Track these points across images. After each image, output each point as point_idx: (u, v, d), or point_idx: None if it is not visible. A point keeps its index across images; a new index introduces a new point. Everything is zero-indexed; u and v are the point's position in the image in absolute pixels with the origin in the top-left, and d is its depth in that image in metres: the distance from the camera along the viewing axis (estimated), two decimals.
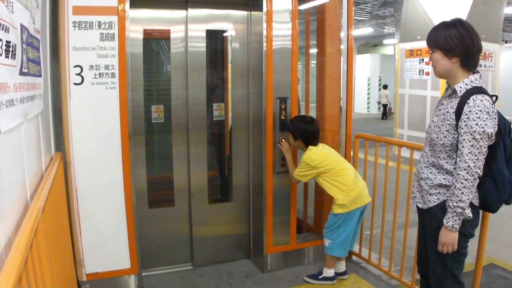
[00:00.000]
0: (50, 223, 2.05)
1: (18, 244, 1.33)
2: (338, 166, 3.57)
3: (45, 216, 1.89)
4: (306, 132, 3.60)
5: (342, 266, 3.81)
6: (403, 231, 3.66)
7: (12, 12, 1.60)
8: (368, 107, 22.72)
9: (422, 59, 9.25)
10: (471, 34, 2.35)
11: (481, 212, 2.57)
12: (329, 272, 3.72)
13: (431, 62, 2.50)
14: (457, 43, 2.34)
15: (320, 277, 3.73)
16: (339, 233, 3.60)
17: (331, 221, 3.63)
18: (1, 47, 1.42)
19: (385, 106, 19.47)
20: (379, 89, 22.20)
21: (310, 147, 3.60)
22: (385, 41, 24.14)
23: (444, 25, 2.42)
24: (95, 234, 3.34)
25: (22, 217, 1.69)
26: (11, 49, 1.55)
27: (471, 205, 2.36)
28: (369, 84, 22.61)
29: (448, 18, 2.47)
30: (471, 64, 2.39)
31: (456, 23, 2.38)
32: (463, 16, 8.49)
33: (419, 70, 9.41)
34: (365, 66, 22.74)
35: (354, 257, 4.19)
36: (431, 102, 9.16)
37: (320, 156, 3.56)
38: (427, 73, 9.17)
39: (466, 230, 2.41)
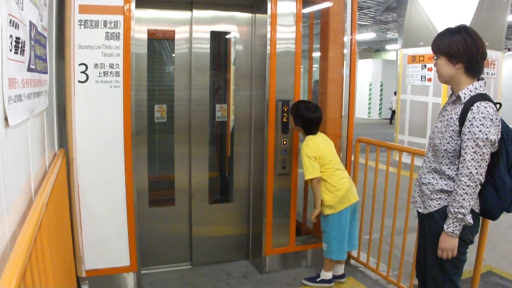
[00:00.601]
0: (52, 218, 2.07)
1: (24, 236, 1.35)
2: (330, 164, 3.57)
3: (48, 211, 1.91)
4: (308, 120, 3.60)
5: (340, 269, 3.82)
6: (402, 236, 3.67)
7: (22, 9, 1.62)
8: (369, 112, 22.72)
9: (425, 65, 9.26)
10: (475, 41, 2.36)
11: (480, 219, 2.59)
12: (326, 275, 3.73)
13: (435, 68, 2.52)
14: (461, 50, 2.35)
15: (317, 280, 3.75)
16: (333, 236, 3.61)
17: (323, 223, 3.66)
18: (11, 43, 1.44)
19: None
20: (381, 95, 22.21)
21: (307, 137, 3.61)
22: (388, 47, 24.21)
23: (449, 31, 2.43)
24: (96, 231, 3.35)
25: (26, 211, 1.71)
26: (20, 45, 1.57)
27: (472, 211, 2.37)
28: (370, 90, 22.60)
29: (451, 24, 2.48)
30: (475, 70, 2.40)
31: (461, 30, 2.39)
32: (467, 23, 8.48)
33: (421, 76, 9.41)
34: (366, 71, 22.70)
35: (352, 261, 4.20)
36: (432, 108, 9.17)
37: (315, 146, 3.56)
38: (429, 79, 9.17)
39: (465, 237, 2.42)
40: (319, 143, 3.59)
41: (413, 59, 9.57)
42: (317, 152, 3.53)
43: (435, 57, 2.48)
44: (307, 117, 3.58)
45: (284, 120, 3.77)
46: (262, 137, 3.85)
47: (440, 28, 2.55)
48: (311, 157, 3.52)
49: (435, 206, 2.49)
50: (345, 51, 4.08)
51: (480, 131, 2.24)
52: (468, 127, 2.28)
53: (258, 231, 4.01)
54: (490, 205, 2.43)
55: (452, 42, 2.37)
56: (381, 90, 22.37)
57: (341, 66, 4.13)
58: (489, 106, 2.27)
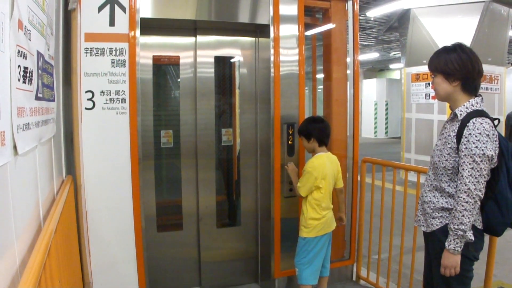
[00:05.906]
0: (61, 244, 2.08)
1: (33, 263, 1.36)
2: (326, 188, 3.40)
3: (57, 238, 1.92)
4: (319, 130, 3.42)
5: None
6: (411, 255, 3.65)
7: (30, 40, 1.66)
8: (375, 132, 22.69)
9: (428, 83, 9.28)
10: (471, 58, 2.41)
11: (484, 235, 2.56)
12: None
13: (433, 86, 2.57)
14: (457, 67, 2.40)
15: None
16: (304, 261, 3.43)
17: (299, 245, 3.47)
18: (19, 73, 1.47)
19: None
20: (386, 114, 22.22)
21: (317, 155, 3.44)
22: (391, 66, 24.28)
23: (445, 50, 2.49)
24: (104, 256, 3.35)
25: (35, 238, 1.72)
26: (28, 74, 1.60)
27: (475, 228, 2.37)
28: (375, 109, 22.61)
29: (453, 42, 2.52)
30: (472, 87, 2.44)
31: (457, 48, 2.45)
32: (468, 40, 8.56)
33: (426, 94, 9.45)
34: (371, 91, 22.75)
35: (362, 281, 4.17)
36: (437, 126, 9.18)
37: (321, 167, 3.37)
38: (434, 97, 9.18)
39: (469, 253, 2.41)
40: (322, 161, 3.40)
41: (417, 77, 9.61)
42: (321, 169, 3.36)
43: (433, 76, 2.53)
44: (318, 127, 3.43)
45: (289, 142, 3.78)
46: (268, 160, 3.86)
47: (442, 46, 2.59)
48: (314, 176, 3.34)
49: (437, 225, 2.48)
50: (348, 71, 4.11)
51: (476, 147, 2.26)
52: (464, 144, 2.29)
53: (266, 254, 4.00)
54: (492, 221, 2.42)
55: (448, 60, 2.43)
56: (386, 109, 22.37)
57: (345, 86, 4.16)
58: (485, 122, 2.29)
